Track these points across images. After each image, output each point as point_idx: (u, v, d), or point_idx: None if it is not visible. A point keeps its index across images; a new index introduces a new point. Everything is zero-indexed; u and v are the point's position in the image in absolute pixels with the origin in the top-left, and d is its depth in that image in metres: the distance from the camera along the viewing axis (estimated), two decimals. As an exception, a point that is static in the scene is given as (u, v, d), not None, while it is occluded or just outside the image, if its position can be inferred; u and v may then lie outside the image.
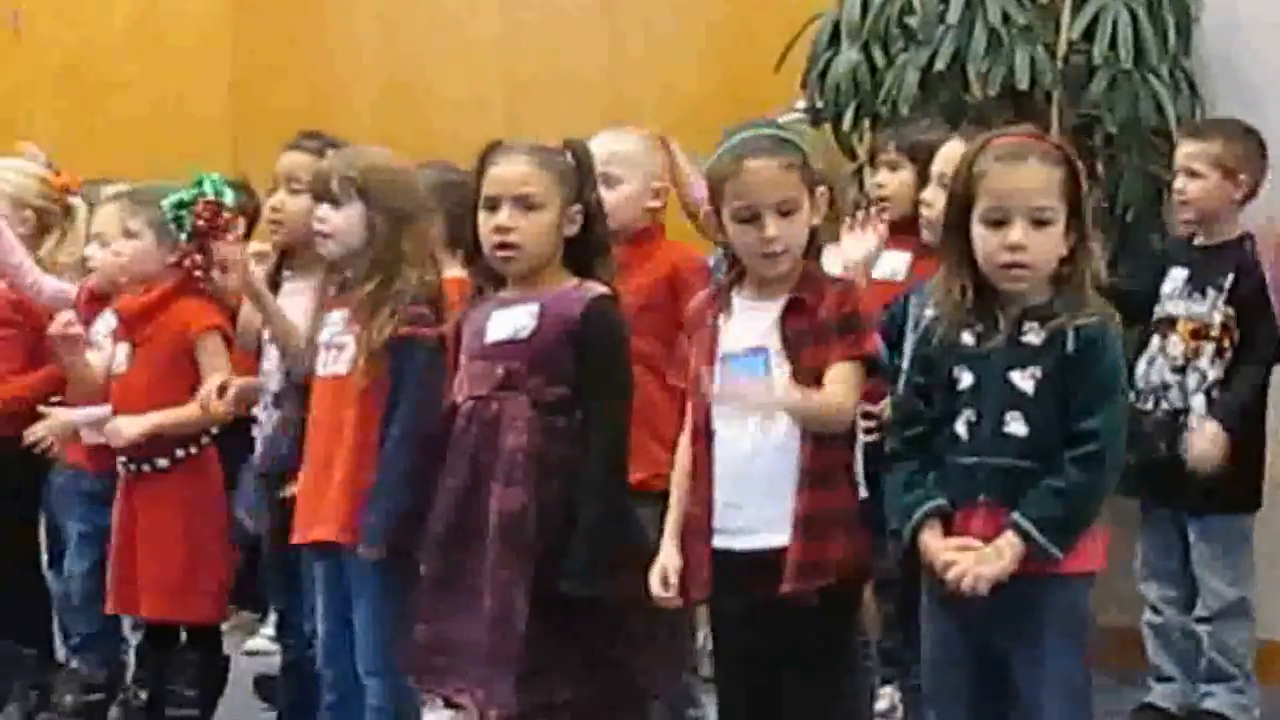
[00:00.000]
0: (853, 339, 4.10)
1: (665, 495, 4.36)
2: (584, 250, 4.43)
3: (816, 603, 4.05)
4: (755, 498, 4.12)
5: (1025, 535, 3.83)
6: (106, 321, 5.86)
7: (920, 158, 5.35)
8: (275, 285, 5.42)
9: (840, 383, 4.08)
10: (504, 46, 8.69)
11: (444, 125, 8.26)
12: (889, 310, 4.87)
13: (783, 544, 4.07)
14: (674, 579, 4.20)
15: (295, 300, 5.24)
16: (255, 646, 7.04)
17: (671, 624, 4.78)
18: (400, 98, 8.76)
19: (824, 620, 4.11)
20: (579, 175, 4.45)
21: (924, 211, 5.06)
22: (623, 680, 4.36)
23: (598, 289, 4.37)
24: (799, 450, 4.10)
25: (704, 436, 4.19)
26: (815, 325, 4.11)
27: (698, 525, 4.19)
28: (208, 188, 5.35)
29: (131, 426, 5.51)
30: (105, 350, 5.82)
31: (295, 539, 4.93)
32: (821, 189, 4.21)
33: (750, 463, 4.13)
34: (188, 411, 5.49)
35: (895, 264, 5.31)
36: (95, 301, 5.95)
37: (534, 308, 4.35)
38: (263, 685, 6.28)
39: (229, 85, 9.40)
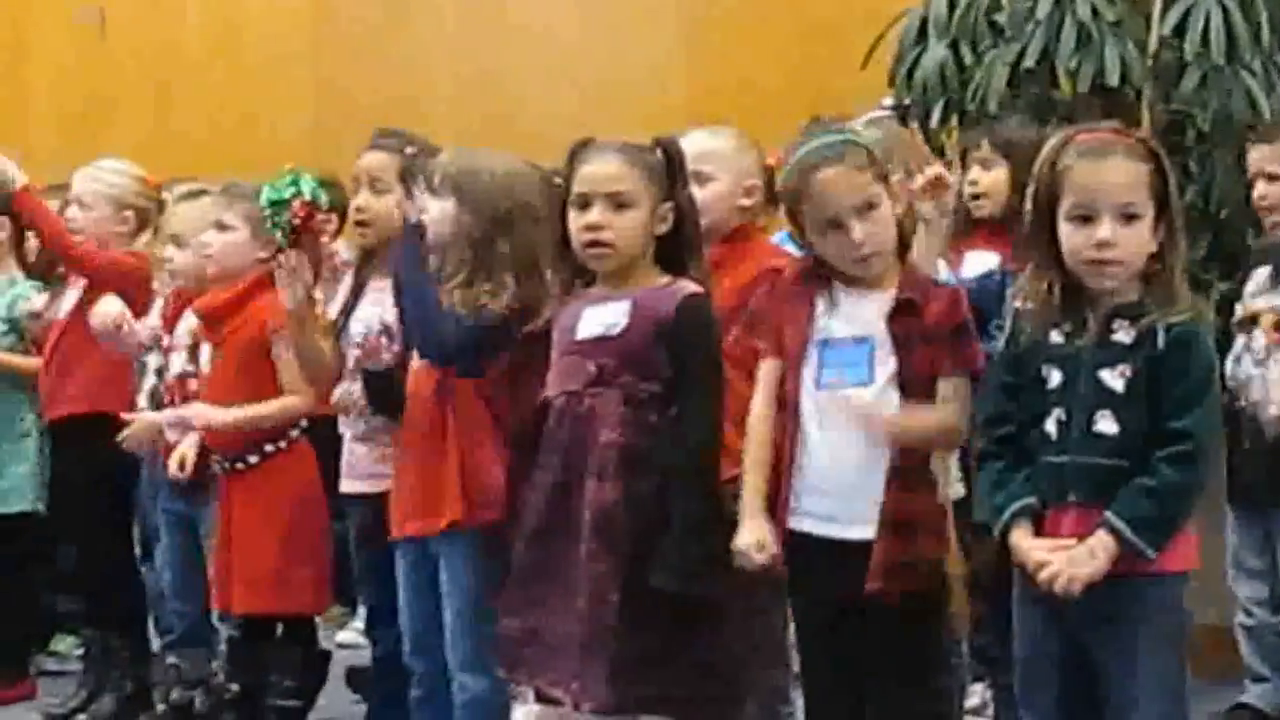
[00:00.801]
0: (966, 352, 4.16)
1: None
2: (675, 248, 4.45)
3: (898, 603, 4.07)
4: (841, 488, 4.16)
5: (1118, 535, 3.81)
6: (187, 322, 5.93)
7: (1014, 155, 5.34)
8: (360, 286, 5.43)
9: (955, 400, 4.15)
10: (582, 44, 8.72)
11: (524, 124, 8.29)
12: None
13: (865, 538, 4.11)
14: (774, 548, 4.20)
15: (386, 300, 5.24)
16: (345, 639, 7.11)
17: (765, 620, 4.82)
18: (480, 97, 8.79)
19: (909, 621, 4.13)
20: (670, 173, 4.46)
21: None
22: (716, 675, 4.36)
23: (690, 286, 4.38)
24: (889, 448, 4.13)
25: (793, 416, 4.22)
26: (925, 328, 4.16)
27: (777, 499, 4.23)
28: (304, 187, 5.39)
29: (216, 414, 5.57)
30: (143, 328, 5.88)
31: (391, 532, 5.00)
32: (898, 176, 4.25)
33: (840, 453, 4.17)
34: (269, 408, 5.55)
35: (988, 263, 5.30)
36: (181, 304, 6.00)
37: (625, 305, 4.37)
38: (354, 678, 6.34)
39: (310, 87, 9.45)
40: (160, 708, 6.07)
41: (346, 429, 5.42)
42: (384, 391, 5.15)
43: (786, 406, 4.25)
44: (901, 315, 4.18)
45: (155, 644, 6.55)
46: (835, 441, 4.18)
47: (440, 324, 4.78)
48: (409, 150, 5.31)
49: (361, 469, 5.32)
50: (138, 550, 6.47)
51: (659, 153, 4.47)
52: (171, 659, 6.05)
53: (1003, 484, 3.98)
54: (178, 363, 5.97)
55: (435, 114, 8.32)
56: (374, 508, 5.19)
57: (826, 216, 4.20)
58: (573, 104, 8.35)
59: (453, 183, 4.90)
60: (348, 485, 5.40)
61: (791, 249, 5.11)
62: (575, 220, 4.42)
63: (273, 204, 5.37)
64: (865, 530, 4.11)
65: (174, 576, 5.97)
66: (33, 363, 6.62)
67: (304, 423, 5.65)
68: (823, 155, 4.22)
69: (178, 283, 6.00)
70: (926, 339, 4.16)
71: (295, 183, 5.37)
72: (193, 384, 5.89)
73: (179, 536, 5.95)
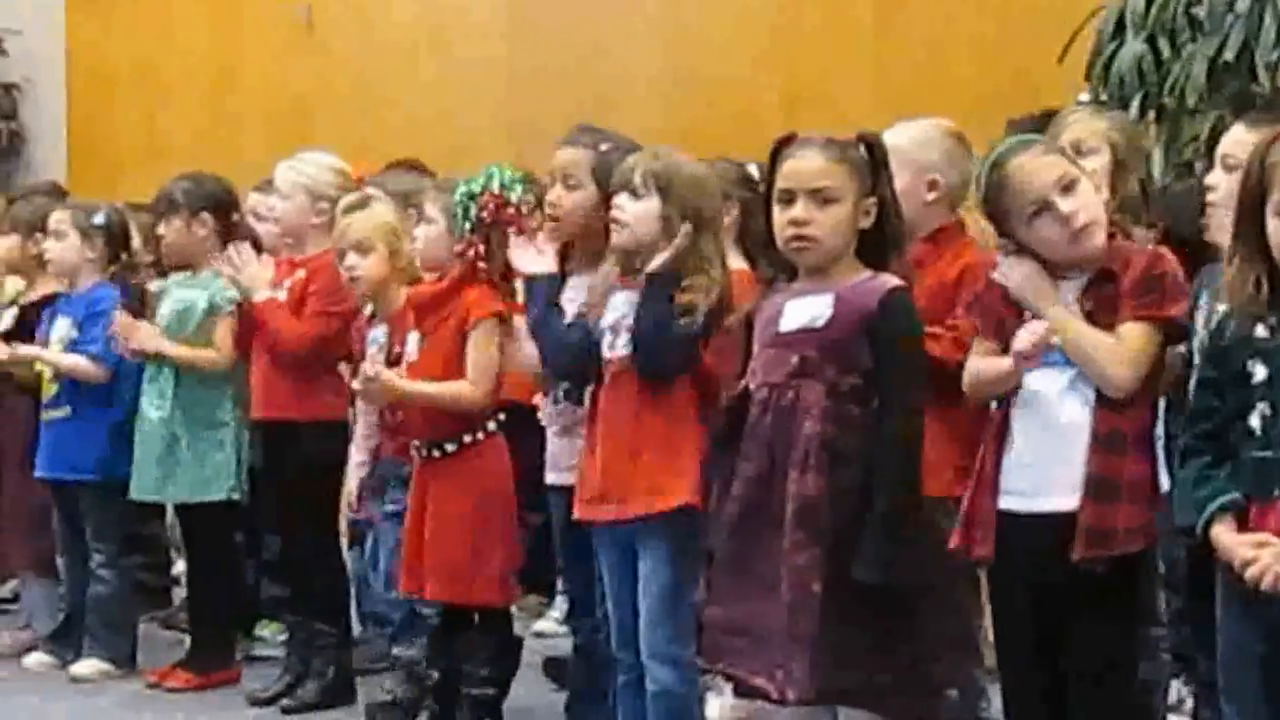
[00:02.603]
0: (1151, 299, 4.21)
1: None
2: (878, 242, 4.47)
3: (1103, 570, 4.10)
4: (1046, 457, 4.21)
5: (1328, 530, 3.79)
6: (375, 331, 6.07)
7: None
8: (561, 279, 5.45)
9: (1123, 343, 4.20)
10: (782, 40, 8.75)
11: (721, 120, 8.33)
12: None
13: (1068, 509, 4.15)
14: None
15: (585, 295, 5.30)
16: (543, 629, 7.18)
17: (961, 612, 4.84)
18: (677, 93, 8.86)
19: (1110, 603, 4.16)
20: (873, 168, 4.48)
21: (1209, 196, 5.00)
22: (916, 667, 4.38)
23: (893, 280, 4.40)
24: (1091, 412, 4.17)
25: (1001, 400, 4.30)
26: (1118, 292, 4.24)
27: (986, 481, 4.27)
28: (495, 181, 5.45)
29: (398, 384, 5.65)
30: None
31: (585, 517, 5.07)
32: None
33: (1047, 421, 4.22)
34: (440, 389, 5.61)
35: None
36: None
37: (829, 298, 4.39)
38: (552, 667, 6.40)
39: (508, 83, 9.55)
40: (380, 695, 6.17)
41: (548, 422, 5.48)
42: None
43: None
44: (1096, 287, 4.26)
45: (357, 630, 6.68)
46: (1037, 418, 4.26)
47: (660, 344, 4.85)
48: (602, 147, 5.36)
49: (563, 461, 5.37)
50: (343, 538, 6.57)
51: (862, 147, 4.50)
52: (395, 649, 6.14)
53: (1206, 480, 3.97)
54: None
55: (632, 110, 8.39)
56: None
57: (1029, 200, 4.25)
58: (769, 100, 8.38)
59: (656, 182, 4.96)
60: (551, 477, 5.45)
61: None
62: (779, 215, 4.45)
63: (466, 197, 5.46)
64: (1070, 501, 4.17)
65: (389, 566, 6.07)
66: (206, 354, 6.72)
67: (501, 415, 5.72)
68: (1010, 148, 4.33)
69: (360, 289, 6.11)
70: (1118, 301, 4.23)
71: (490, 176, 5.45)
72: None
73: (391, 527, 6.02)
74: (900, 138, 5.12)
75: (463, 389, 5.61)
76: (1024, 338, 4.24)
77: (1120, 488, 4.18)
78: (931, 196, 5.10)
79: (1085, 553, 4.14)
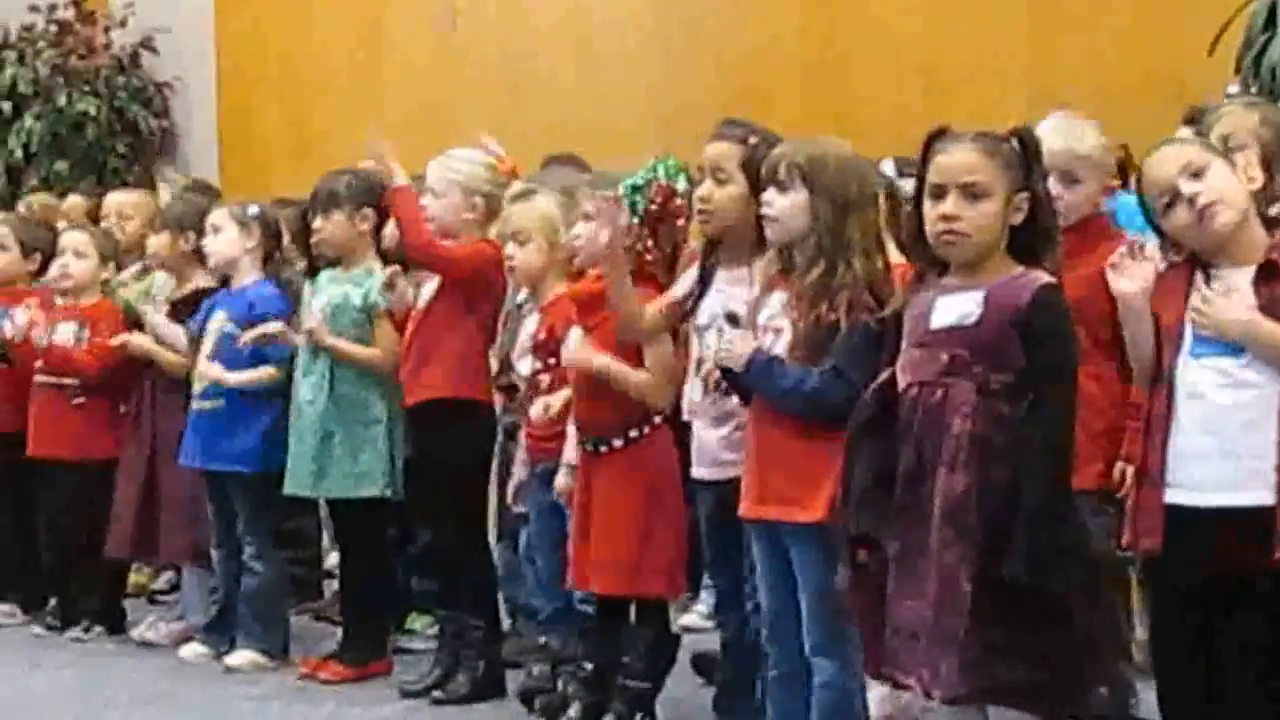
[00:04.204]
0: None
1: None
2: (1030, 238, 4.44)
3: None
4: (1216, 450, 4.18)
5: None
6: (528, 328, 6.11)
7: None
8: (707, 275, 5.44)
9: None
10: (926, 34, 8.72)
11: (866, 113, 8.32)
12: None
13: (1244, 503, 4.13)
14: None
15: (732, 290, 5.31)
16: (689, 623, 7.19)
17: (1110, 610, 4.80)
18: (821, 86, 8.84)
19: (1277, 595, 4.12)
20: (1025, 163, 4.45)
21: None
22: (1066, 665, 4.34)
23: (1044, 277, 4.38)
24: (1268, 405, 4.16)
25: (1168, 391, 4.29)
26: None
27: (1151, 472, 4.25)
28: (660, 172, 5.46)
29: (587, 354, 5.67)
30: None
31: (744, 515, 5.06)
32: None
33: (1215, 413, 4.20)
34: (627, 374, 5.64)
35: None
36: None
37: (979, 295, 4.37)
38: (699, 662, 6.41)
39: (655, 79, 9.57)
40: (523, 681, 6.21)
41: (695, 414, 5.47)
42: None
43: (1160, 382, 4.32)
44: (1265, 282, 4.24)
45: (506, 623, 6.73)
46: (1204, 410, 4.23)
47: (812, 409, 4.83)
48: (751, 140, 5.35)
49: (710, 455, 5.36)
50: (492, 532, 6.62)
51: (1014, 142, 4.47)
52: (544, 640, 6.19)
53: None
54: (525, 366, 6.18)
55: (780, 104, 8.39)
56: (723, 493, 5.26)
57: (1160, 190, 4.30)
58: (915, 92, 8.35)
59: (801, 173, 4.95)
60: (698, 471, 5.44)
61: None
62: (930, 210, 4.44)
63: (632, 189, 5.47)
64: (1258, 495, 4.13)
65: (545, 560, 6.12)
66: (373, 353, 6.79)
67: (666, 411, 5.73)
68: (1154, 146, 4.36)
69: (516, 279, 6.15)
70: None
71: (655, 168, 5.46)
72: (544, 379, 6.06)
73: (549, 522, 6.09)
74: (1089, 143, 5.15)
75: (650, 380, 5.65)
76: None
77: None
78: (1101, 199, 5.20)
79: None
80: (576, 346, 5.71)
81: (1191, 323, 4.29)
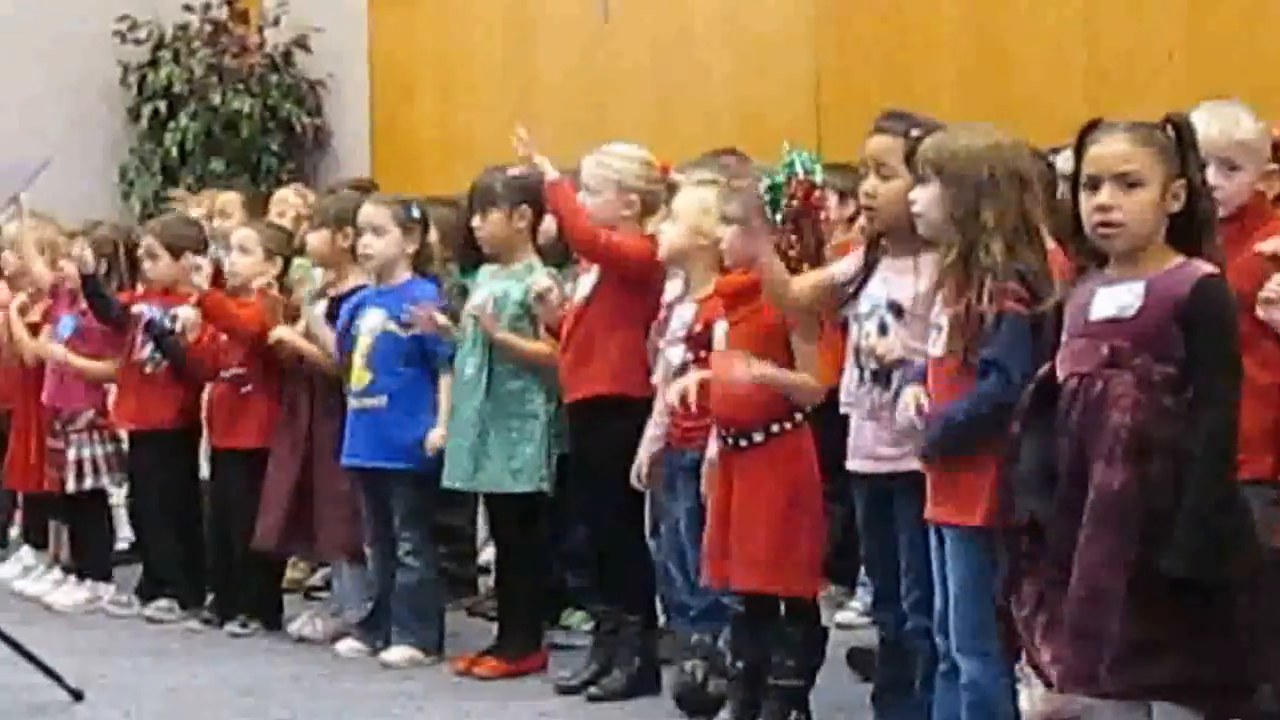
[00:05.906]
0: None
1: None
2: (1188, 227, 4.37)
3: None
4: None
5: None
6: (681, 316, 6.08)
7: None
8: (870, 266, 5.35)
9: None
10: (1085, 23, 8.62)
11: (1025, 103, 8.24)
12: None
13: None
14: None
15: (897, 280, 5.25)
16: (845, 619, 7.16)
17: (1273, 603, 4.71)
18: (981, 77, 8.77)
19: None
20: (1180, 151, 4.38)
21: None
22: (1227, 661, 4.27)
23: (1205, 267, 4.31)
24: None
25: None
26: None
27: None
28: (798, 166, 5.41)
29: (742, 364, 5.63)
30: None
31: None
32: None
33: None
34: (789, 377, 5.61)
35: None
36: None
37: (1139, 286, 4.31)
38: (856, 658, 6.38)
39: (812, 71, 9.53)
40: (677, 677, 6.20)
41: (852, 405, 5.39)
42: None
43: None
44: None
45: (662, 620, 6.71)
46: None
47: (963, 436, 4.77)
48: (913, 132, 5.27)
49: (866, 448, 5.29)
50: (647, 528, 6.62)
51: (1170, 130, 4.40)
52: (696, 636, 6.17)
53: None
54: (676, 355, 6.13)
55: (940, 97, 8.32)
56: (880, 488, 5.22)
57: None
58: (1076, 84, 8.27)
59: (932, 165, 4.90)
60: (852, 464, 5.37)
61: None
62: (1086, 201, 4.38)
63: (770, 189, 5.42)
64: None
65: (694, 555, 6.09)
66: (540, 347, 6.81)
67: (809, 408, 5.69)
68: None
69: (661, 254, 6.13)
70: None
71: (791, 164, 5.41)
72: (693, 371, 6.02)
73: (699, 516, 6.02)
74: (1247, 130, 5.07)
75: (807, 381, 5.62)
76: None
77: None
78: (1262, 186, 5.06)
79: None
80: (732, 366, 5.66)
81: None
